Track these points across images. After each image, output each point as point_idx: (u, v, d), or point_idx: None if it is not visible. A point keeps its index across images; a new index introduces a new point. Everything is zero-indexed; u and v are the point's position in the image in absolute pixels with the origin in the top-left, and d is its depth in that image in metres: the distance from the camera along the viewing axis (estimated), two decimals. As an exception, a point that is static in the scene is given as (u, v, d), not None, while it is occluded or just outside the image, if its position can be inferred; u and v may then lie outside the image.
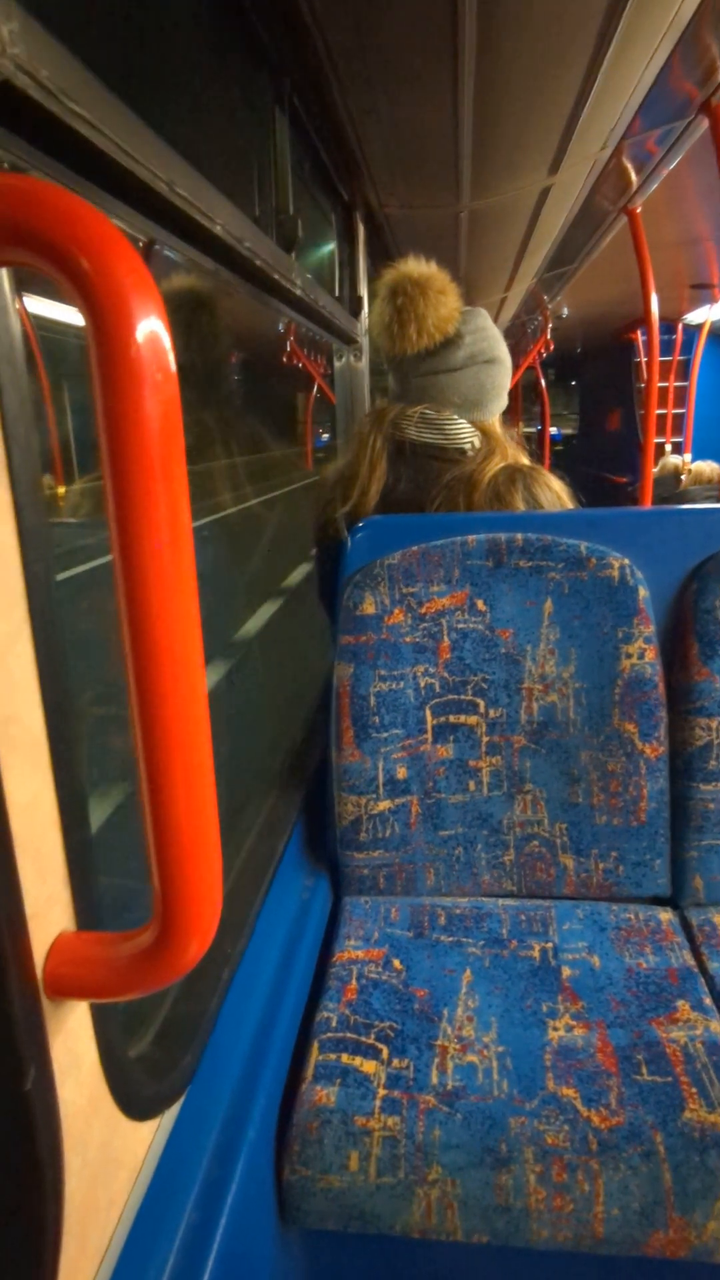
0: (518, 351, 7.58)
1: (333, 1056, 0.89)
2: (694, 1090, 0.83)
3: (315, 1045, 0.90)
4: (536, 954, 1.04)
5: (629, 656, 1.11)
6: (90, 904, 0.53)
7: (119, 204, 0.67)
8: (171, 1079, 0.70)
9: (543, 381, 7.60)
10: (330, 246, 2.14)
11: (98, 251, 0.36)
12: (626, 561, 1.11)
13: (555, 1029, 0.92)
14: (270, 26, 1.18)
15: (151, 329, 0.38)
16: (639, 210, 2.91)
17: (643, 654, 1.11)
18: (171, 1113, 0.70)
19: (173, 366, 0.40)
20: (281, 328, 4.33)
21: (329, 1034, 0.92)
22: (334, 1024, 0.93)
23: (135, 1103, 0.62)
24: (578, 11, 1.20)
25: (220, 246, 0.90)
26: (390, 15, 1.13)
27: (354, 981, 1.00)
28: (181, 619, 0.42)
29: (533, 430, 10.28)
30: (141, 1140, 0.64)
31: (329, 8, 1.10)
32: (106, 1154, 0.58)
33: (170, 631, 0.41)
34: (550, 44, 1.30)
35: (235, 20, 1.14)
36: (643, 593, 1.11)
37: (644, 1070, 0.86)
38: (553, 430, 9.45)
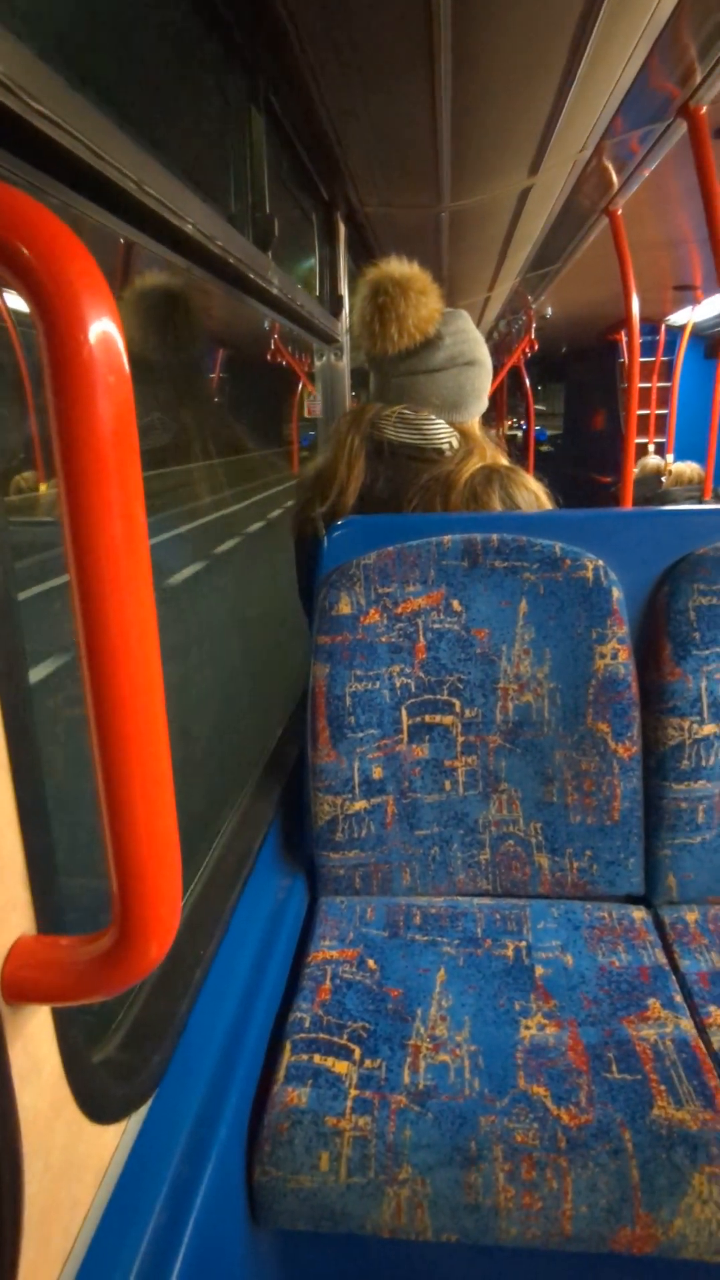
0: (502, 351, 7.60)
1: (305, 1057, 0.89)
2: (663, 1088, 0.83)
3: (288, 1046, 0.90)
4: (510, 953, 1.05)
5: (603, 657, 1.12)
6: (51, 907, 0.52)
7: (85, 202, 0.66)
8: (139, 1081, 0.70)
9: (527, 381, 7.62)
10: (311, 245, 2.13)
11: (48, 251, 0.36)
12: (600, 562, 1.12)
13: (527, 1027, 0.92)
14: (244, 23, 1.18)
15: (104, 330, 0.38)
16: (620, 211, 2.93)
17: (616, 654, 1.11)
18: (139, 1115, 0.69)
19: (126, 368, 0.39)
20: (266, 325, 4.32)
21: (302, 1034, 0.92)
22: (307, 1024, 0.93)
23: (101, 1106, 0.61)
24: (553, 14, 1.21)
25: (193, 245, 0.90)
26: (364, 16, 1.13)
27: (328, 982, 1.00)
28: (137, 620, 0.41)
29: (518, 430, 10.32)
30: (107, 1143, 0.64)
31: (302, 6, 1.10)
32: (70, 1158, 0.57)
33: (126, 633, 0.41)
34: (527, 46, 1.30)
35: (208, 16, 1.13)
36: (616, 593, 1.12)
37: (614, 1068, 0.86)
38: (538, 430, 9.49)
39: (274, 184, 1.41)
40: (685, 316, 5.95)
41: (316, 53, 1.24)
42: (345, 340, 2.22)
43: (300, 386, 6.20)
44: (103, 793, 0.43)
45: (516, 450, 9.59)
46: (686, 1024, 0.92)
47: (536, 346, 6.37)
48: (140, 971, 0.48)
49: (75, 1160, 0.58)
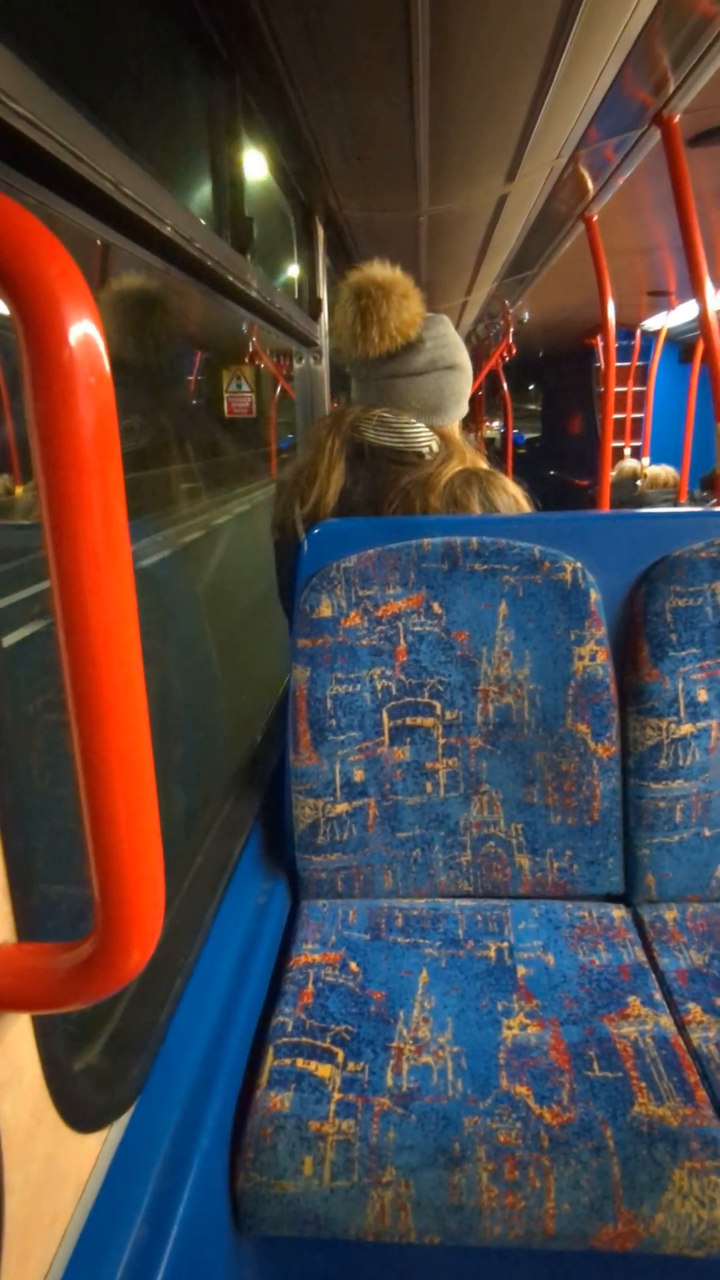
0: (480, 355, 7.65)
1: (288, 1061, 0.88)
2: (643, 1085, 0.84)
3: (270, 1051, 0.90)
4: (492, 954, 1.05)
5: (581, 658, 1.12)
6: (31, 914, 0.52)
7: (62, 202, 0.66)
8: (121, 1089, 0.69)
9: (505, 385, 7.67)
10: (290, 248, 2.13)
11: (26, 252, 0.36)
12: (579, 565, 1.13)
13: (510, 1028, 0.93)
14: (220, 24, 1.17)
15: (85, 332, 0.37)
16: (596, 218, 2.96)
17: (595, 656, 1.12)
18: (121, 1123, 0.69)
19: (107, 370, 0.39)
20: (245, 328, 4.30)
21: (284, 1039, 0.91)
22: (290, 1029, 0.93)
23: (82, 1114, 0.61)
24: (529, 22, 1.22)
25: (170, 247, 0.90)
26: (342, 20, 1.14)
27: (310, 985, 1.00)
28: (119, 624, 0.41)
29: (496, 433, 10.38)
30: (89, 1152, 0.63)
31: (280, 9, 1.10)
32: (51, 1168, 0.57)
33: (108, 637, 0.41)
34: (503, 53, 1.31)
35: (183, 17, 1.13)
36: (594, 595, 1.13)
37: (595, 1066, 0.87)
38: (516, 433, 9.55)
39: (252, 186, 1.41)
40: (660, 322, 6.03)
41: (294, 55, 1.25)
42: (325, 343, 2.22)
43: (278, 388, 6.20)
44: (84, 798, 0.43)
45: (494, 454, 9.64)
46: (666, 1021, 0.93)
47: (515, 351, 6.41)
48: (122, 979, 0.48)
49: (56, 1170, 0.57)
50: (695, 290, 2.09)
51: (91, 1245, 0.61)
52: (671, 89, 1.89)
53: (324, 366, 2.22)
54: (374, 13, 1.11)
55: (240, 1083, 0.87)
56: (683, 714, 1.12)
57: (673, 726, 1.12)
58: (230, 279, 1.17)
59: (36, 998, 0.48)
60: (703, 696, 1.12)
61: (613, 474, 5.82)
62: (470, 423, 9.52)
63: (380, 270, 1.27)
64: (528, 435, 10.88)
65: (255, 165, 1.64)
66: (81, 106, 0.63)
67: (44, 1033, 0.54)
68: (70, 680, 0.41)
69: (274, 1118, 0.82)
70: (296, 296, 2.16)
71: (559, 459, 8.81)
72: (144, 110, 1.04)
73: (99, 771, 0.42)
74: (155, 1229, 0.66)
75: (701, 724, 1.12)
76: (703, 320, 2.09)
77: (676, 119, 2.01)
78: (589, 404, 7.53)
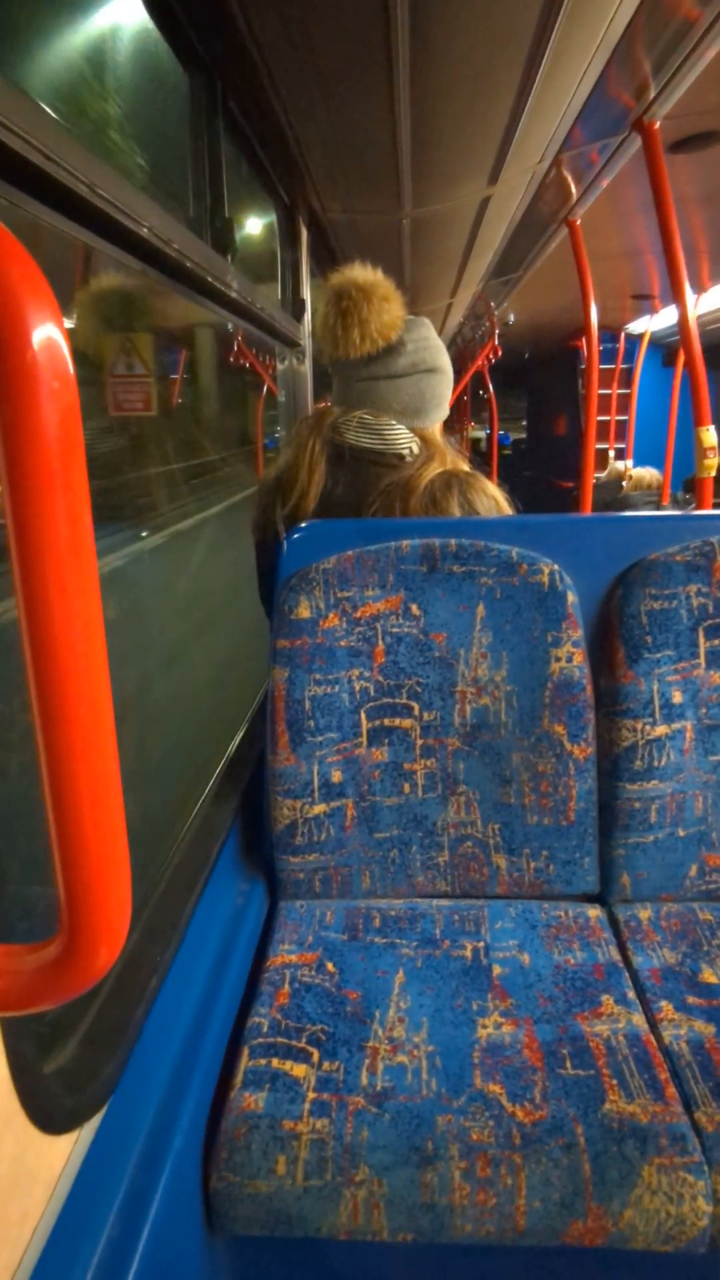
0: (465, 357, 7.67)
1: (263, 1062, 0.89)
2: (614, 1082, 0.85)
3: (245, 1051, 0.90)
4: (468, 953, 1.06)
5: (558, 660, 1.13)
6: None
7: (33, 203, 0.66)
8: (93, 1090, 0.69)
9: (490, 386, 7.70)
10: (273, 249, 2.13)
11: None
12: (556, 567, 1.14)
13: (484, 1027, 0.94)
14: (199, 24, 1.17)
15: (48, 335, 0.37)
16: (579, 222, 2.98)
17: (571, 657, 1.13)
18: (93, 1124, 0.69)
19: (72, 372, 0.39)
20: (230, 328, 4.29)
21: (260, 1039, 0.92)
22: (265, 1029, 0.93)
23: (51, 1116, 0.61)
24: (509, 27, 1.23)
25: (149, 249, 0.90)
26: (321, 20, 1.14)
27: (286, 986, 1.00)
28: (84, 628, 0.41)
29: (482, 434, 10.41)
30: (59, 1153, 0.63)
31: (259, 9, 1.10)
32: (19, 1169, 0.57)
33: (73, 640, 0.41)
34: (484, 55, 1.32)
35: (162, 16, 1.13)
36: (571, 598, 1.14)
37: (568, 1064, 0.88)
38: (501, 434, 9.59)
39: (235, 187, 1.41)
40: (644, 325, 6.07)
41: (274, 55, 1.25)
42: (308, 344, 2.22)
43: (264, 388, 6.19)
44: (49, 796, 0.43)
45: (479, 455, 9.67)
46: (638, 1019, 0.94)
47: (500, 353, 6.44)
48: (89, 979, 0.48)
49: (25, 1172, 0.57)
50: (675, 295, 2.11)
51: (62, 1245, 0.61)
52: (652, 95, 1.91)
53: (307, 367, 2.22)
54: (353, 13, 1.11)
55: (215, 1083, 0.87)
56: (657, 715, 1.13)
57: (647, 728, 1.13)
58: (210, 280, 1.17)
59: (2, 999, 0.48)
60: (677, 698, 1.13)
61: (601, 476, 5.86)
62: (455, 424, 9.55)
63: (361, 272, 1.28)
64: (514, 437, 10.92)
65: (237, 166, 1.64)
66: (55, 107, 0.63)
67: (12, 1035, 0.54)
68: (35, 682, 0.41)
69: (248, 1117, 0.82)
70: (280, 297, 2.16)
71: (544, 461, 8.86)
72: (119, 111, 1.03)
73: (64, 770, 0.43)
74: (127, 1229, 0.66)
75: (676, 725, 1.13)
76: (682, 325, 2.11)
77: (657, 125, 2.03)
78: (574, 406, 7.58)
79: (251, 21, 1.14)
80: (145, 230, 0.83)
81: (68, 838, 0.44)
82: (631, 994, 0.98)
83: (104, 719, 0.43)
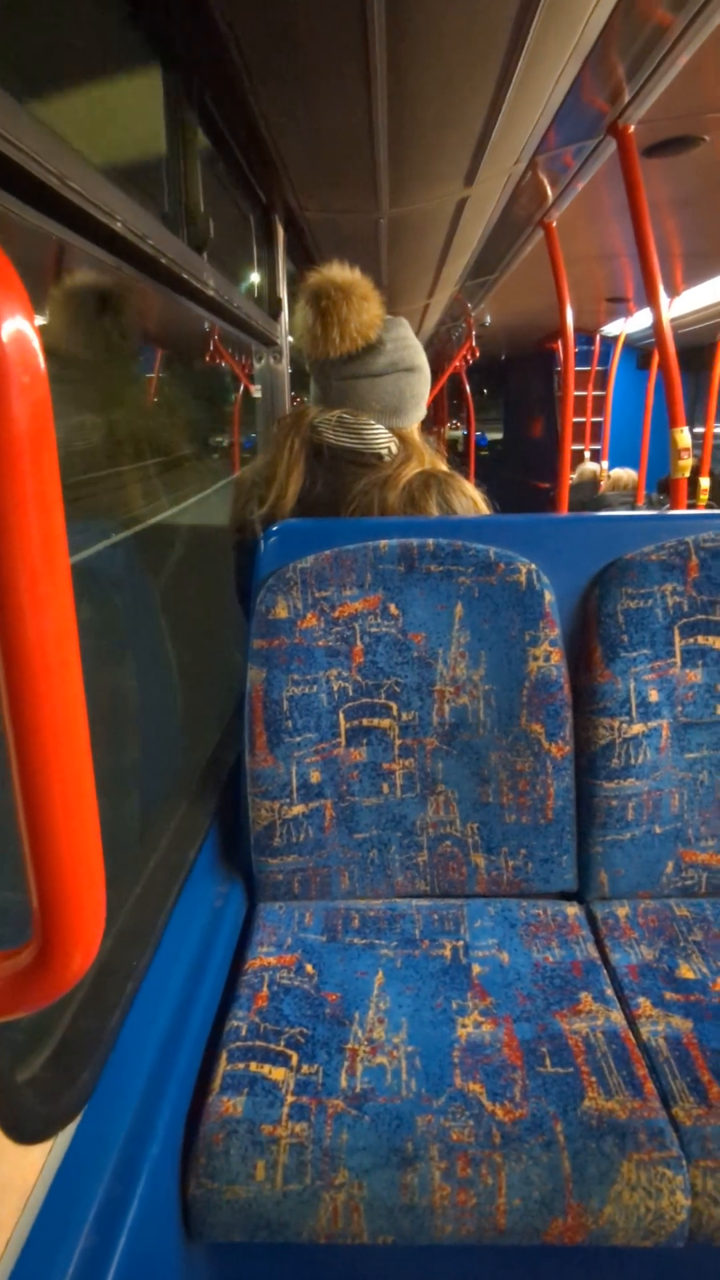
0: (443, 357, 7.69)
1: (241, 1066, 0.88)
2: (593, 1079, 0.85)
3: (224, 1055, 0.89)
4: (448, 953, 1.06)
5: (536, 659, 1.14)
6: None
7: (4, 195, 0.65)
8: (68, 1098, 0.68)
9: (467, 387, 7.73)
10: (249, 247, 2.12)
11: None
12: (533, 566, 1.14)
13: (464, 1026, 0.93)
14: (173, 18, 1.16)
15: (17, 328, 0.37)
16: (554, 224, 2.99)
17: (549, 656, 1.14)
18: (68, 1133, 0.68)
19: (42, 367, 0.39)
20: (207, 326, 4.26)
21: (238, 1043, 0.91)
22: (244, 1033, 0.92)
23: (24, 1125, 0.60)
24: (484, 29, 1.23)
25: (122, 244, 0.88)
26: (297, 18, 1.13)
27: (265, 989, 0.99)
28: (56, 627, 0.41)
29: (460, 434, 10.44)
30: (32, 1163, 0.62)
31: (236, 7, 1.10)
32: (-8, 1180, 0.56)
33: (45, 642, 0.40)
34: (460, 56, 1.32)
35: (135, 10, 1.12)
36: (549, 597, 1.14)
37: (547, 1062, 0.88)
38: (479, 435, 9.62)
39: (211, 184, 1.40)
40: (619, 328, 6.13)
41: (250, 53, 1.24)
42: (285, 343, 2.22)
43: (241, 387, 6.15)
44: (22, 801, 0.42)
45: (457, 456, 9.69)
46: (616, 1016, 0.94)
47: (478, 353, 6.47)
48: (63, 985, 0.47)
49: (-3, 1183, 0.56)
50: (649, 299, 2.13)
51: (36, 1256, 0.60)
52: (626, 99, 1.93)
53: (285, 366, 2.22)
54: (330, 12, 1.11)
55: (193, 1088, 0.86)
56: (634, 714, 1.14)
57: (624, 726, 1.13)
58: (186, 277, 1.15)
59: (-27, 1007, 0.47)
60: (653, 697, 1.14)
61: (575, 477, 5.91)
62: (433, 424, 9.58)
63: (340, 272, 1.28)
64: (491, 437, 10.97)
65: (213, 163, 1.62)
66: (26, 99, 0.62)
67: (-16, 1043, 0.53)
68: (6, 685, 0.40)
69: (226, 1123, 0.82)
70: (256, 296, 2.15)
71: (522, 461, 8.91)
72: (94, 105, 1.02)
73: (37, 775, 0.42)
74: (103, 1238, 0.65)
75: (652, 723, 1.14)
76: (657, 328, 2.13)
77: (631, 129, 2.05)
78: (551, 407, 7.63)
79: (229, 18, 1.13)
80: (118, 225, 0.82)
81: (41, 843, 0.43)
82: (610, 991, 0.99)
83: (77, 722, 0.43)
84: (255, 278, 2.18)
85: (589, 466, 5.97)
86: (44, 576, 0.39)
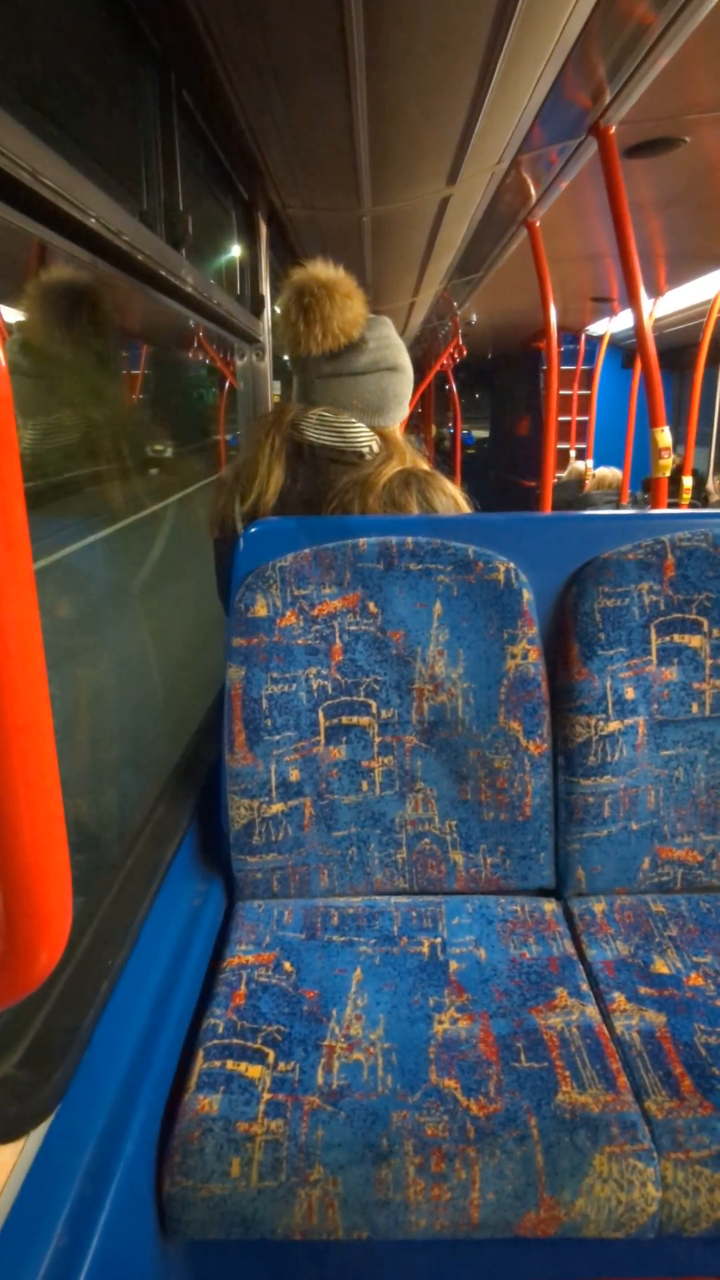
0: (429, 356, 7.70)
1: (218, 1064, 0.88)
2: (567, 1073, 0.86)
3: (200, 1054, 0.89)
4: (426, 950, 1.06)
5: (514, 657, 1.14)
6: None
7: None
8: (39, 1098, 0.68)
9: (453, 386, 7.74)
10: (231, 244, 2.12)
11: None
12: (512, 565, 1.15)
13: (440, 1022, 0.94)
14: (151, 15, 1.16)
15: (-23, 325, 0.37)
16: (538, 224, 3.00)
17: (527, 655, 1.14)
18: (39, 1132, 0.68)
19: (3, 363, 0.38)
20: (191, 323, 4.24)
21: (215, 1041, 0.91)
22: (220, 1030, 0.92)
23: (-6, 1124, 0.59)
24: (464, 25, 1.23)
25: (98, 240, 0.88)
26: (276, 15, 1.13)
27: (243, 986, 0.99)
28: (18, 626, 0.40)
29: (446, 432, 10.45)
30: (4, 1162, 0.62)
31: (213, 2, 1.09)
32: (-40, 1180, 0.55)
33: (6, 640, 0.40)
34: (440, 54, 1.32)
35: (113, 7, 1.11)
36: (527, 595, 1.15)
37: (523, 1057, 0.89)
38: (465, 433, 9.63)
39: (191, 181, 1.39)
40: (604, 327, 6.16)
41: (229, 49, 1.24)
42: (268, 340, 2.21)
43: (226, 384, 6.13)
44: None
45: (443, 454, 9.70)
46: (591, 1010, 0.95)
47: (465, 352, 6.48)
48: (30, 984, 0.47)
49: (-34, 1183, 0.56)
50: (630, 299, 2.14)
51: (8, 1253, 0.60)
52: (608, 99, 1.93)
53: (267, 363, 2.21)
54: (307, 9, 1.11)
55: (169, 1087, 0.86)
56: (611, 712, 1.14)
57: (601, 724, 1.14)
58: (164, 274, 1.15)
59: (-62, 1006, 0.47)
60: (630, 695, 1.15)
61: (563, 475, 5.93)
62: (419, 424, 9.58)
63: (323, 269, 1.27)
64: (478, 435, 10.99)
65: (193, 160, 1.62)
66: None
67: (-49, 1042, 0.53)
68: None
69: (202, 1120, 0.82)
70: (239, 293, 2.14)
71: (507, 460, 8.93)
72: (70, 101, 1.01)
73: None
74: (76, 1238, 0.65)
75: (629, 721, 1.15)
76: (638, 328, 2.14)
77: (613, 130, 2.06)
78: (537, 406, 7.66)
79: (205, 13, 1.12)
80: (93, 221, 0.82)
81: (4, 840, 0.43)
82: (585, 986, 1.00)
83: (41, 717, 0.42)
84: (238, 275, 2.17)
85: (574, 465, 6.00)
86: (5, 573, 0.39)
